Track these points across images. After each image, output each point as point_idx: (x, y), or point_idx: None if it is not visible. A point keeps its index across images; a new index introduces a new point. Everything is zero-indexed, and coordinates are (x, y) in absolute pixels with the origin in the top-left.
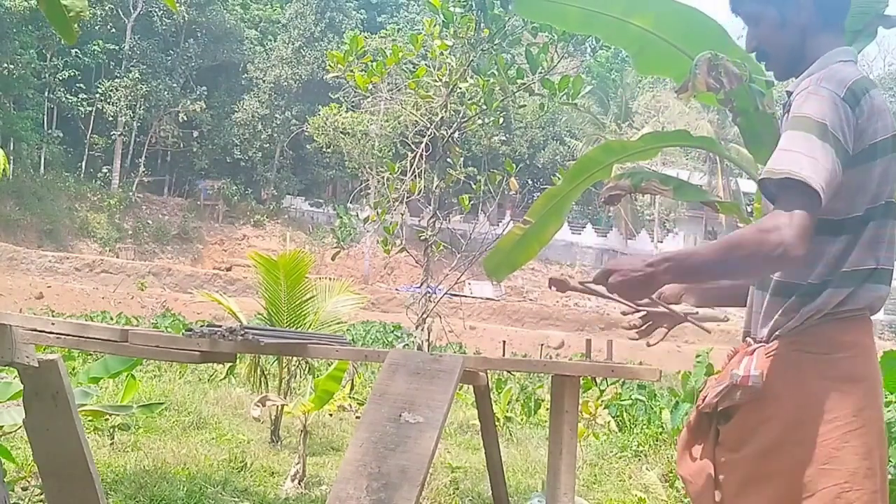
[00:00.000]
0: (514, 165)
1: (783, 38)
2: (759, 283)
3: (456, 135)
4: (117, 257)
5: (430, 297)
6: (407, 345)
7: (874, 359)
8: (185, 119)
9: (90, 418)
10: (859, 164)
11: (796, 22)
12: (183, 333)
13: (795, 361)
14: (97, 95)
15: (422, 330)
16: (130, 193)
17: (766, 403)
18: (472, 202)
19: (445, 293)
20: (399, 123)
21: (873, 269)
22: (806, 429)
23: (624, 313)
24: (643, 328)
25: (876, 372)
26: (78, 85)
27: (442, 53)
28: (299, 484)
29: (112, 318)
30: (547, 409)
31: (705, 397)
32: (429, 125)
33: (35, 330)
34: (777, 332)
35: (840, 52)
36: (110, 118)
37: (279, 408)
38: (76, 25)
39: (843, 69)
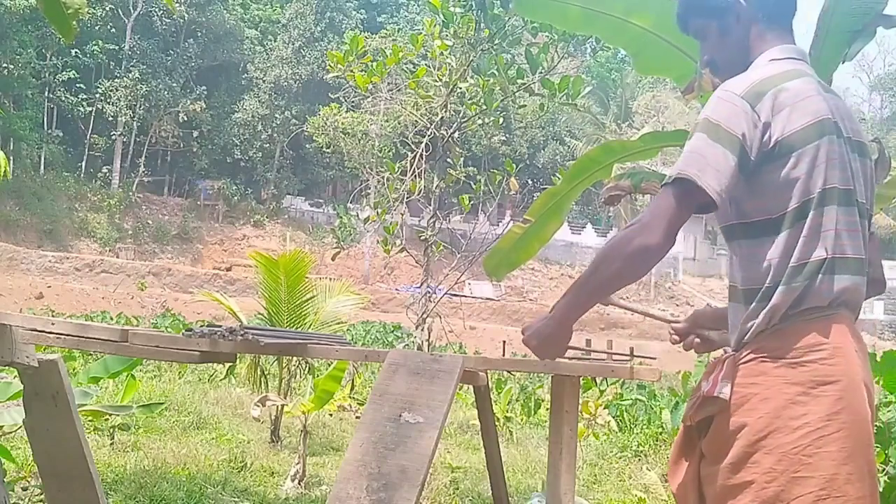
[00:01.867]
0: (514, 165)
1: (729, 48)
2: (729, 293)
3: (456, 135)
4: (117, 257)
5: (430, 297)
6: (407, 345)
7: (851, 359)
8: (185, 119)
9: (90, 418)
10: (776, 158)
11: (739, 30)
12: (183, 333)
13: (761, 368)
14: (97, 95)
15: (422, 330)
16: (130, 193)
17: (736, 414)
18: (472, 202)
19: (445, 293)
20: (399, 123)
21: (824, 260)
22: (775, 437)
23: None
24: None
25: (853, 372)
26: (78, 85)
27: (442, 53)
28: (299, 484)
29: (112, 318)
30: (547, 409)
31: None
32: (429, 125)
33: (35, 330)
34: (744, 340)
35: (772, 52)
36: (110, 118)
37: (279, 408)
38: (75, 23)
39: (758, 69)
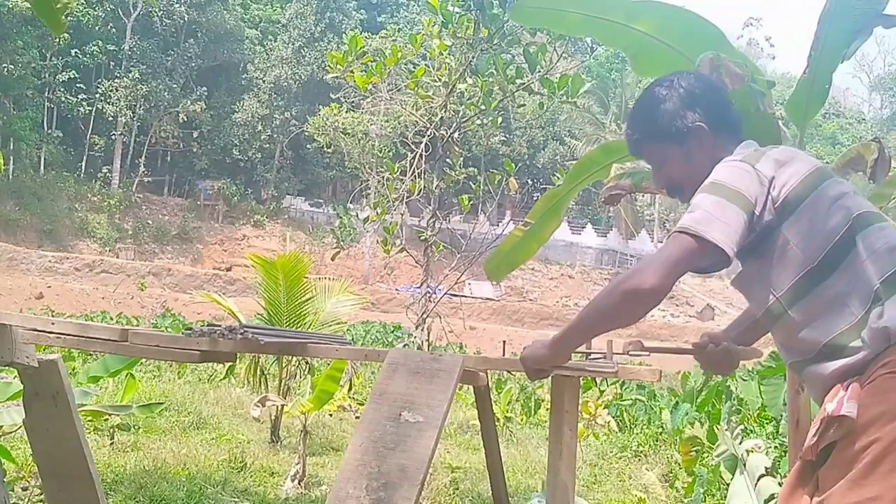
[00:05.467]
0: (513, 165)
1: (695, 169)
2: (799, 354)
3: (455, 135)
4: (117, 257)
5: (430, 297)
6: (407, 345)
7: None
8: (185, 119)
9: (90, 418)
10: (794, 207)
11: (702, 151)
12: (183, 333)
13: (888, 385)
14: (97, 95)
15: (422, 330)
16: (130, 193)
17: (864, 434)
18: (471, 202)
19: (445, 293)
20: (399, 123)
21: None
22: None
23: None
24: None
25: None
26: (78, 85)
27: (441, 54)
28: (299, 484)
29: (112, 318)
30: (547, 409)
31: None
32: (428, 125)
33: (35, 330)
34: (862, 366)
35: (741, 147)
36: (110, 118)
37: (279, 408)
38: (63, 17)
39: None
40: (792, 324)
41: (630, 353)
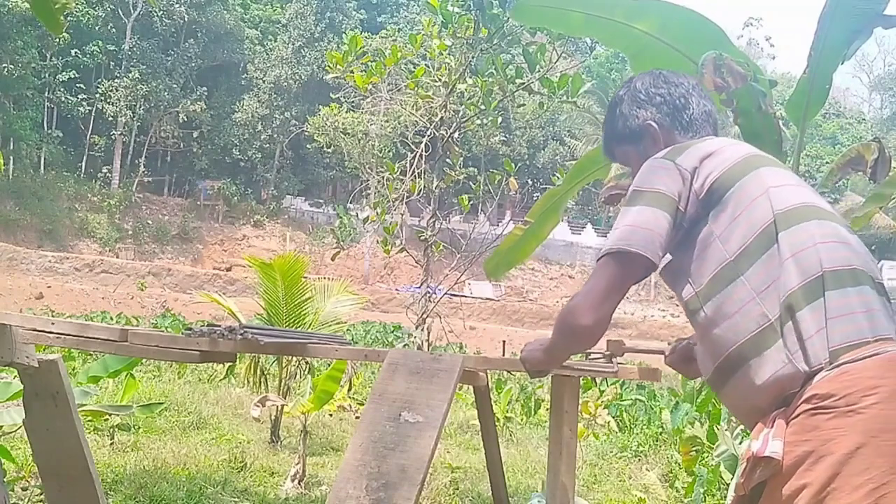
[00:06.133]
0: (513, 165)
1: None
2: (721, 366)
3: (455, 135)
4: (117, 257)
5: (430, 297)
6: (407, 345)
7: None
8: (185, 119)
9: (90, 418)
10: (715, 201)
11: (656, 148)
12: (183, 333)
13: (813, 423)
14: (97, 95)
15: (422, 330)
16: (130, 193)
17: (792, 477)
18: (471, 202)
19: (445, 293)
20: (399, 123)
21: (819, 277)
22: (836, 498)
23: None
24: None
25: None
26: (78, 85)
27: (441, 54)
28: (299, 484)
29: (112, 318)
30: (547, 409)
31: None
32: (428, 125)
33: (35, 330)
34: (788, 392)
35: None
36: (110, 118)
37: (279, 408)
38: (62, 17)
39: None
40: (706, 322)
41: (610, 354)
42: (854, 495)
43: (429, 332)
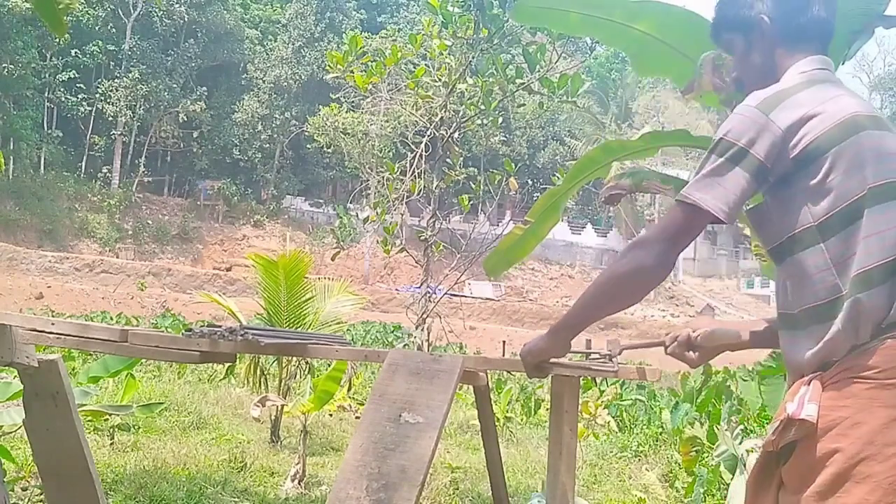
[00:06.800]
0: (513, 165)
1: (754, 64)
2: (781, 321)
3: (455, 135)
4: (117, 257)
5: (430, 297)
6: (407, 345)
7: None
8: (185, 119)
9: (90, 418)
10: (808, 164)
11: (764, 45)
12: (183, 333)
13: (851, 390)
14: (97, 95)
15: (422, 330)
16: (130, 193)
17: (824, 439)
18: (471, 202)
19: (445, 293)
20: (399, 123)
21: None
22: (868, 465)
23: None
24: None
25: None
26: (78, 85)
27: (441, 54)
28: (299, 484)
29: (112, 318)
30: (547, 409)
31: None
32: (428, 125)
33: (35, 330)
34: (827, 360)
35: (799, 65)
36: (110, 118)
37: (279, 408)
38: (66, 18)
39: (782, 83)
40: (781, 273)
41: (610, 354)
42: (886, 464)
43: (429, 332)
